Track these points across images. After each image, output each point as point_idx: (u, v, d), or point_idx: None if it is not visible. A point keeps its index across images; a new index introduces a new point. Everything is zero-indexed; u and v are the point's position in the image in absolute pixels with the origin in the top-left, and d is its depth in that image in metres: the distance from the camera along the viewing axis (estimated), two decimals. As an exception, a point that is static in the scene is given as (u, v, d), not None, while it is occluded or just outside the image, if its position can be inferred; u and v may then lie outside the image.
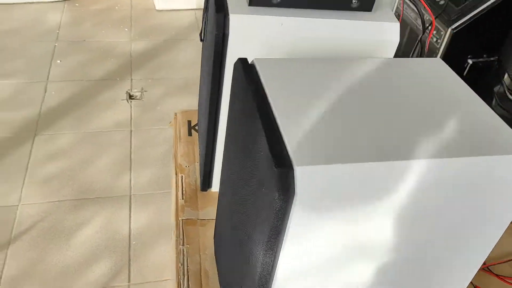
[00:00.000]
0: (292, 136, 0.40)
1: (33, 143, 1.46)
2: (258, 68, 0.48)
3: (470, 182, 0.42)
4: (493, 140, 0.43)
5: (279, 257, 0.42)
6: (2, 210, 1.27)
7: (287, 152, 0.38)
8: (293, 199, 0.37)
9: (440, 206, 0.43)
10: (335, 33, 0.59)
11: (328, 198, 0.38)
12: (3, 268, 1.14)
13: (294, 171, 0.37)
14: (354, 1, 0.59)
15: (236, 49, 0.58)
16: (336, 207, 0.39)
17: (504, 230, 0.47)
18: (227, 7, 0.57)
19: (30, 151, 1.43)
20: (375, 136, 0.41)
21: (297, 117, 0.42)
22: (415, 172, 0.39)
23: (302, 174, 0.37)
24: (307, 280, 0.45)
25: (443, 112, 0.46)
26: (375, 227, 0.42)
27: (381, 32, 0.60)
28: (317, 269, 0.44)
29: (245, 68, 0.49)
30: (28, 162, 1.40)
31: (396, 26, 0.60)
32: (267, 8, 0.58)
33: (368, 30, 0.60)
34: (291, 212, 0.38)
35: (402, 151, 0.40)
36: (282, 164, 0.37)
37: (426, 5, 0.62)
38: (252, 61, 0.50)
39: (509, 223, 0.47)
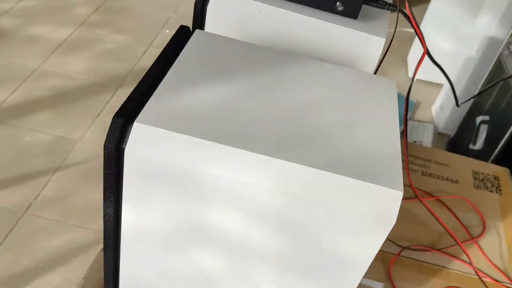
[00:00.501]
0: (158, 99, 0.40)
1: (114, 94, 1.61)
2: (192, 37, 0.49)
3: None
4: (362, 167, 0.38)
5: (122, 212, 0.42)
6: (63, 140, 1.43)
7: (139, 110, 0.39)
8: (123, 151, 0.38)
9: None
10: (312, 33, 0.56)
11: (160, 165, 0.38)
12: (42, 188, 1.28)
13: (131, 126, 0.37)
14: (338, 4, 0.56)
15: (214, 23, 0.59)
16: (167, 176, 0.38)
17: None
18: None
19: (108, 100, 1.59)
20: (238, 123, 0.40)
21: (179, 87, 0.42)
22: (244, 163, 0.37)
23: (136, 130, 0.37)
24: (153, 247, 0.45)
25: (336, 128, 0.42)
26: (208, 211, 0.40)
27: (360, 43, 0.56)
28: (157, 239, 0.44)
29: (183, 35, 0.49)
30: (102, 109, 1.55)
31: (378, 41, 0.56)
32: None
33: (345, 37, 0.56)
34: (124, 166, 0.38)
35: (245, 141, 0.38)
36: (122, 115, 0.37)
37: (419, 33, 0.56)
38: (195, 31, 0.50)
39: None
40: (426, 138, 1.69)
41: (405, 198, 0.81)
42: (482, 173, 0.89)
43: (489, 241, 0.78)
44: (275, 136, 0.39)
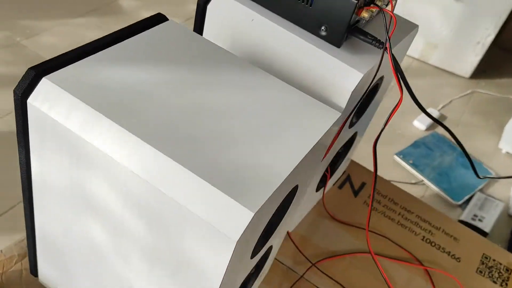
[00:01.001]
0: (80, 66, 0.43)
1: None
2: (160, 25, 0.51)
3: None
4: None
5: (31, 160, 0.45)
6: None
7: (56, 69, 0.42)
8: (26, 100, 0.41)
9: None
10: (293, 51, 0.55)
11: (55, 124, 0.40)
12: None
13: (41, 79, 0.41)
14: (322, 28, 0.54)
15: (211, 22, 0.61)
16: (60, 137, 0.41)
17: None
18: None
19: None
20: (140, 108, 0.41)
21: (109, 62, 0.44)
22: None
23: (42, 85, 0.40)
24: (55, 201, 0.47)
25: (238, 138, 0.41)
26: (90, 182, 0.42)
27: (335, 72, 0.53)
28: (57, 194, 0.46)
29: (155, 22, 0.52)
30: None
31: (354, 74, 0.53)
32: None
33: (321, 61, 0.53)
34: (28, 115, 0.42)
35: (133, 123, 0.39)
36: (36, 68, 0.41)
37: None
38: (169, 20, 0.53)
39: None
40: (490, 216, 1.52)
41: (383, 256, 0.75)
42: (494, 260, 0.78)
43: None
44: (167, 129, 0.40)
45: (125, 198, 0.40)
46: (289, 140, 0.43)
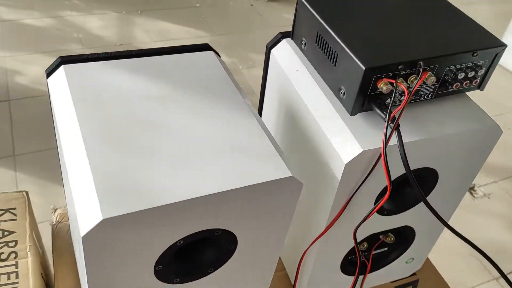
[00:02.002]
0: (96, 66, 0.51)
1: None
2: (202, 52, 0.56)
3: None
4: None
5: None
6: None
7: (80, 62, 0.51)
8: (47, 79, 0.51)
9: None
10: (312, 105, 0.53)
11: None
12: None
13: (60, 66, 0.50)
14: (341, 91, 0.49)
15: (272, 63, 0.62)
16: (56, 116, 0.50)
17: None
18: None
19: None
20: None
21: (123, 66, 0.52)
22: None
23: (59, 70, 0.50)
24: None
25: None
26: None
27: (337, 140, 0.48)
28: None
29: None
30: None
31: (354, 147, 0.46)
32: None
33: (329, 125, 0.49)
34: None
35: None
36: (63, 57, 0.51)
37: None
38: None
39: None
40: None
41: None
42: None
43: None
44: (112, 137, 0.45)
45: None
46: (216, 174, 0.42)
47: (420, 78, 0.47)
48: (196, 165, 0.43)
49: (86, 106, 0.47)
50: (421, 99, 0.52)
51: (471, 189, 1.59)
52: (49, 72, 0.52)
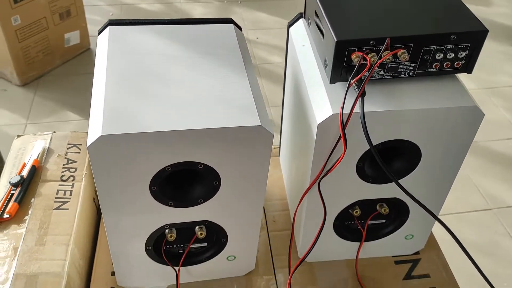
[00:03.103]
0: (135, 28, 0.64)
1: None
2: (224, 24, 0.67)
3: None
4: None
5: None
6: None
7: (122, 25, 0.64)
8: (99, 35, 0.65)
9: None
10: (306, 73, 0.60)
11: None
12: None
13: (108, 27, 0.64)
14: (325, 62, 0.55)
15: (291, 39, 0.71)
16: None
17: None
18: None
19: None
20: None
21: (155, 31, 0.64)
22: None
23: (106, 30, 0.64)
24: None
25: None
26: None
27: (316, 104, 0.55)
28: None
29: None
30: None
31: (326, 110, 0.53)
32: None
33: (313, 91, 0.56)
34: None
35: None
36: (112, 20, 0.65)
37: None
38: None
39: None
40: None
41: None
42: None
43: None
44: (131, 83, 0.57)
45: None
46: (199, 116, 0.52)
47: (383, 56, 0.53)
48: (185, 108, 0.54)
49: (116, 56, 0.60)
50: (401, 76, 0.57)
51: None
52: (100, 31, 0.66)
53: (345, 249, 0.75)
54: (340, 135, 0.56)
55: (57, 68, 2.02)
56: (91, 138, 0.51)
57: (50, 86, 1.94)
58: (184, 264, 0.69)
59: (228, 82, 0.58)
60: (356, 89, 0.53)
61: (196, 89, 0.56)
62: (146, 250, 0.66)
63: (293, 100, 0.71)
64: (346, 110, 0.54)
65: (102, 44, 0.63)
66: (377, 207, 0.70)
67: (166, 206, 0.60)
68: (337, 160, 0.57)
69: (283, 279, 0.74)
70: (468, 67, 0.57)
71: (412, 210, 0.70)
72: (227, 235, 0.66)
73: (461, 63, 0.56)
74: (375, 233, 0.74)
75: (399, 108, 0.56)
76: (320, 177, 0.61)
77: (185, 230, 0.65)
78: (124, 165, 0.53)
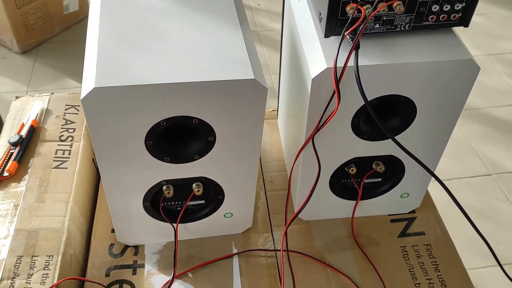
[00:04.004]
0: None
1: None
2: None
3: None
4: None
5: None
6: None
7: None
8: None
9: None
10: (301, 27, 0.60)
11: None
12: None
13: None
14: (320, 16, 0.55)
15: None
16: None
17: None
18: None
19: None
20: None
21: None
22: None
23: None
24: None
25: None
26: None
27: (311, 59, 0.55)
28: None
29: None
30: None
31: (320, 64, 0.53)
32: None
33: (308, 46, 0.56)
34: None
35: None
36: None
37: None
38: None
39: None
40: None
41: None
42: None
43: None
44: (123, 36, 0.57)
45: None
46: (193, 70, 0.52)
47: (377, 7, 0.52)
48: (179, 62, 0.54)
49: (109, 11, 0.59)
50: (397, 29, 0.57)
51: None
52: None
53: (342, 207, 0.76)
54: (334, 91, 0.56)
55: (57, 36, 2.01)
56: (85, 90, 0.51)
57: (50, 54, 1.93)
58: (182, 221, 0.70)
59: (222, 37, 0.57)
60: (350, 42, 0.53)
61: (190, 43, 0.56)
62: (144, 206, 0.67)
63: (289, 58, 0.71)
64: (340, 64, 0.54)
65: (95, 0, 0.63)
66: (373, 166, 0.70)
67: (162, 162, 0.60)
68: (331, 114, 0.57)
69: (280, 237, 0.75)
70: (464, 20, 0.57)
71: (408, 168, 0.71)
72: (223, 192, 0.67)
73: (457, 15, 0.56)
74: (371, 192, 0.75)
75: (394, 62, 0.55)
76: (314, 132, 0.61)
77: (182, 187, 0.65)
78: (119, 119, 0.54)
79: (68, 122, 0.82)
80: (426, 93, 0.59)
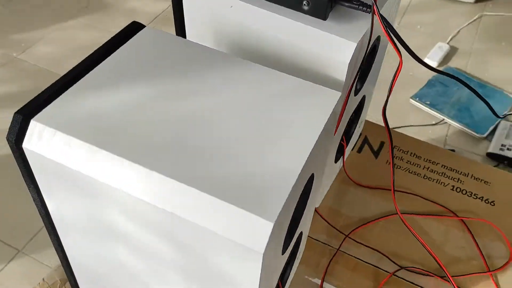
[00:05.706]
0: (66, 99, 0.42)
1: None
2: (137, 35, 0.49)
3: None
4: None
5: (44, 199, 0.45)
6: None
7: (44, 107, 0.41)
8: (21, 145, 0.40)
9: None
10: (279, 32, 0.53)
11: (55, 164, 0.39)
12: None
13: (30, 121, 0.40)
14: (304, 3, 0.51)
15: (191, 19, 0.58)
16: (64, 175, 0.40)
17: None
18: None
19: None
20: (137, 132, 0.39)
21: (96, 87, 0.43)
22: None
23: (32, 128, 0.39)
24: (80, 235, 0.47)
25: (240, 142, 0.40)
26: (106, 213, 0.41)
27: (327, 46, 0.51)
28: (79, 228, 0.46)
29: (131, 32, 0.50)
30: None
31: (348, 45, 0.50)
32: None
33: (311, 39, 0.51)
34: (28, 159, 0.41)
35: (134, 151, 0.38)
36: (22, 112, 0.40)
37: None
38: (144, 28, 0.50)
39: None
40: (518, 144, 1.49)
41: (414, 213, 0.74)
42: (530, 196, 0.76)
43: (510, 278, 0.68)
44: (166, 150, 0.38)
45: (144, 226, 0.40)
46: (293, 133, 0.41)
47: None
48: (265, 139, 0.41)
49: (110, 138, 0.39)
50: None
51: None
52: (16, 137, 0.40)
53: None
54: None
55: None
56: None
57: None
58: None
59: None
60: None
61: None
62: None
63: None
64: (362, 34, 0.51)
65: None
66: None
67: None
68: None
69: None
70: None
71: (367, 99, 0.74)
72: None
73: None
74: (348, 139, 0.77)
75: None
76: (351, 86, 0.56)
77: None
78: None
79: None
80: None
